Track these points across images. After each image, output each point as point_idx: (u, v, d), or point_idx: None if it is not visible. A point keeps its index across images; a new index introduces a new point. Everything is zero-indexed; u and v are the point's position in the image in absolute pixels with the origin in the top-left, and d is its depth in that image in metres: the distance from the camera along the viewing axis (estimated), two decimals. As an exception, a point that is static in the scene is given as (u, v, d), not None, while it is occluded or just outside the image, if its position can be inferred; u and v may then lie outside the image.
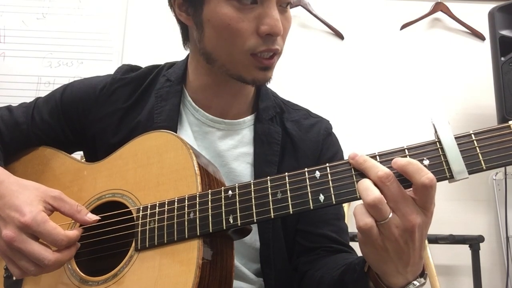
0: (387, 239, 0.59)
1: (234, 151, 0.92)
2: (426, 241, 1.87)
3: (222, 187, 0.71)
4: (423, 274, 0.64)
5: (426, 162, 0.60)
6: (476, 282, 1.88)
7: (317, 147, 0.96)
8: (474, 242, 1.91)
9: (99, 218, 0.76)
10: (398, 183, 0.59)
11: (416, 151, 0.61)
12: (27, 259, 0.70)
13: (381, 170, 0.59)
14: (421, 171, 0.57)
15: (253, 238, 0.89)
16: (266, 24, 0.79)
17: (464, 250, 1.94)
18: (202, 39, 0.85)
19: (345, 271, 0.77)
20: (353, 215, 0.60)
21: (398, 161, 0.60)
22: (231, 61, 0.83)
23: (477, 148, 0.59)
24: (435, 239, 1.92)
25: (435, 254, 1.87)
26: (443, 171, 0.59)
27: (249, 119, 0.95)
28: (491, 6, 2.00)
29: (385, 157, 0.62)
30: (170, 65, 1.00)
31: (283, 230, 0.92)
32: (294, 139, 0.95)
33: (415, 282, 0.63)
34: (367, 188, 0.59)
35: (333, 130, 1.02)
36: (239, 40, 0.80)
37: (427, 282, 1.84)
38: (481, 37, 2.33)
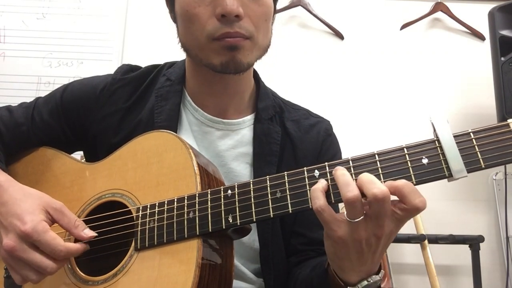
0: (351, 238, 0.60)
1: (233, 151, 0.91)
2: (426, 241, 1.87)
3: (222, 187, 0.71)
4: (379, 272, 0.65)
5: (425, 160, 0.60)
6: (476, 282, 1.88)
7: (317, 148, 0.96)
8: (474, 242, 1.91)
9: (96, 234, 0.76)
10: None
11: (415, 150, 0.61)
12: (29, 267, 0.70)
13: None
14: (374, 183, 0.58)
15: (251, 238, 0.89)
16: (219, 4, 0.78)
17: (464, 250, 1.94)
18: (178, 33, 0.87)
19: (314, 267, 0.80)
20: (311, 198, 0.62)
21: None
22: (199, 48, 0.82)
23: (476, 146, 0.59)
24: (435, 239, 1.91)
25: (435, 254, 1.87)
26: (441, 170, 0.59)
27: (249, 118, 0.94)
28: (491, 6, 1.99)
29: (384, 156, 0.62)
30: (170, 64, 1.00)
31: (282, 230, 0.91)
32: (293, 139, 0.94)
33: (369, 279, 0.64)
34: (348, 184, 0.59)
35: (333, 130, 1.01)
36: (198, 25, 0.80)
37: (426, 282, 1.84)
38: (481, 37, 2.33)
